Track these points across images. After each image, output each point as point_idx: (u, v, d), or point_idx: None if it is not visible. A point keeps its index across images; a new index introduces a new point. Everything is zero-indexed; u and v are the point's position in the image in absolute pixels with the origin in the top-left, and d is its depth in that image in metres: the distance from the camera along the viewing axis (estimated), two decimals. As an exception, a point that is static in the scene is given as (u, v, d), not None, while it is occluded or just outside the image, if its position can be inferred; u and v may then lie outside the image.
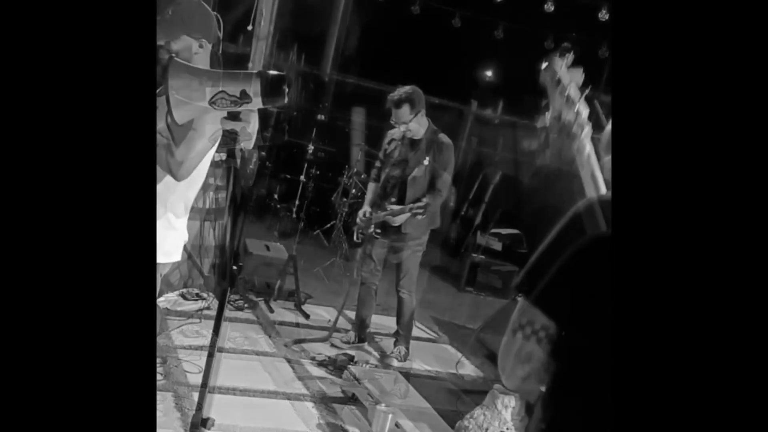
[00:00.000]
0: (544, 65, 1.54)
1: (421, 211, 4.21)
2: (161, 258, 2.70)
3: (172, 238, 2.69)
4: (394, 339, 4.67)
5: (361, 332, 4.70)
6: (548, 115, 1.53)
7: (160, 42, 2.44)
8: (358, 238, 4.62)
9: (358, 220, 4.54)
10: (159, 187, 2.56)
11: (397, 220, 4.31)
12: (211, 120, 2.49)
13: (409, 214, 4.27)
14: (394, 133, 4.47)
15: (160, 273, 2.75)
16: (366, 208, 4.53)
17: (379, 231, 4.46)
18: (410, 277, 4.50)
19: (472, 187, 8.27)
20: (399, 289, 4.55)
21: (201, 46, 2.46)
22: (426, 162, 4.32)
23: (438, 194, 4.32)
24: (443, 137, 4.39)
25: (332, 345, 4.51)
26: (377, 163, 4.64)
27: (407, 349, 4.58)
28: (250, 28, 5.62)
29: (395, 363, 4.44)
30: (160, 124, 2.53)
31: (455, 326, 5.75)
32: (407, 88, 4.29)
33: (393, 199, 4.38)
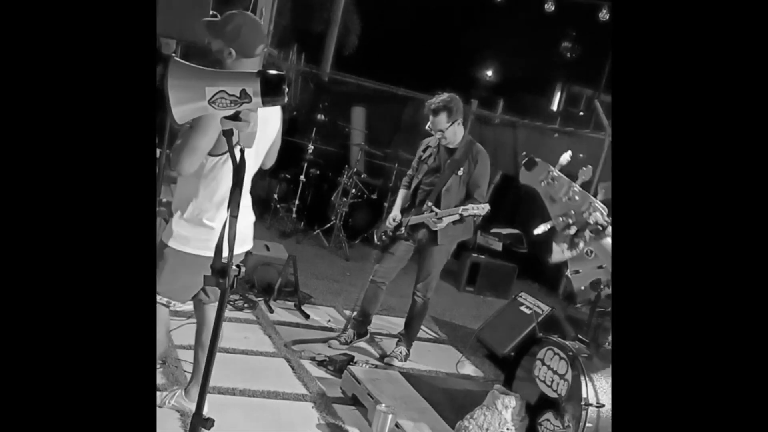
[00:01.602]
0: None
1: (478, 212, 4.18)
2: (186, 248, 2.79)
3: (197, 235, 2.80)
4: (396, 339, 4.67)
5: (361, 328, 4.67)
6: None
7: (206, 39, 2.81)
8: (378, 241, 4.61)
9: (387, 223, 4.52)
10: (185, 188, 2.76)
11: (445, 222, 4.27)
12: (214, 121, 2.56)
13: (456, 217, 4.23)
14: (430, 140, 4.49)
15: (196, 267, 2.83)
16: (396, 214, 4.52)
17: (406, 234, 4.45)
18: (429, 281, 4.50)
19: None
20: (415, 292, 4.54)
21: (230, 54, 2.71)
22: (460, 172, 4.31)
23: (477, 203, 4.30)
24: (479, 147, 4.39)
25: (330, 347, 4.50)
26: (410, 171, 4.64)
27: (408, 350, 4.59)
28: None
29: (396, 363, 4.44)
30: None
31: (455, 326, 5.75)
32: (445, 96, 4.29)
33: (430, 203, 4.34)
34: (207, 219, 2.80)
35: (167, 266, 2.84)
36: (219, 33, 2.72)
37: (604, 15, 9.43)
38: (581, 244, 1.41)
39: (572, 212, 1.40)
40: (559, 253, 1.52)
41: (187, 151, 2.60)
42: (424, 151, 4.53)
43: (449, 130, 4.28)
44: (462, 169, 4.31)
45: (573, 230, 1.41)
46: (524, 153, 1.54)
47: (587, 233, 1.39)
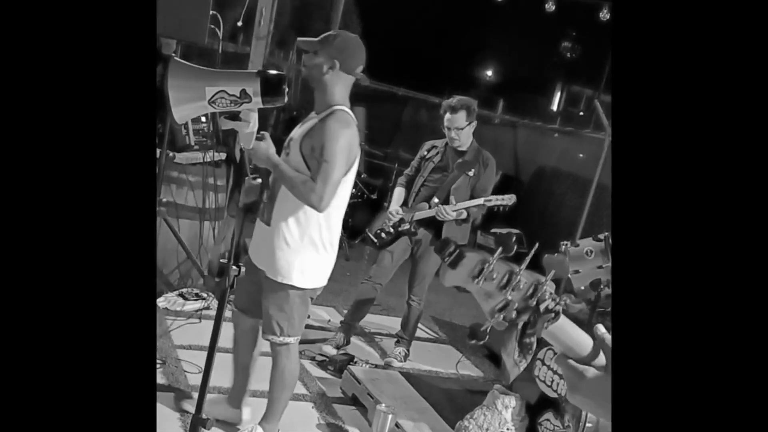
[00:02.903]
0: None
1: (504, 202, 4.18)
2: (316, 283, 2.81)
3: (324, 265, 2.87)
4: (395, 340, 4.66)
5: (348, 332, 4.56)
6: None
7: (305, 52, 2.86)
8: (377, 239, 4.47)
9: (389, 215, 4.40)
10: (305, 221, 2.76)
11: (457, 215, 4.23)
12: (343, 148, 2.69)
13: (463, 215, 4.23)
14: (436, 141, 4.48)
15: (312, 296, 2.94)
16: (396, 207, 4.42)
17: (412, 229, 4.38)
18: (424, 284, 4.47)
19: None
20: (411, 297, 4.49)
21: (333, 66, 2.76)
22: (471, 173, 4.30)
23: (481, 207, 4.30)
24: (488, 154, 4.41)
25: (321, 350, 4.40)
26: (409, 170, 4.58)
27: (408, 351, 4.58)
28: (240, 24, 5.63)
29: (395, 364, 4.44)
30: (296, 159, 2.72)
31: (455, 326, 5.75)
32: (465, 97, 4.32)
33: (437, 200, 4.29)
34: (327, 245, 2.84)
35: (297, 306, 2.86)
36: (323, 46, 2.78)
37: (604, 15, 9.42)
38: (534, 344, 1.04)
39: (515, 305, 1.02)
40: (513, 367, 1.12)
41: (331, 186, 2.65)
42: (429, 150, 4.48)
43: (465, 131, 4.27)
44: (473, 170, 4.30)
45: (520, 326, 1.03)
46: (444, 240, 1.04)
47: (539, 326, 1.02)
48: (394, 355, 4.50)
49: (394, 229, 4.40)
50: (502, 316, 1.02)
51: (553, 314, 1.03)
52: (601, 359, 1.09)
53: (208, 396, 3.24)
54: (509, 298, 1.02)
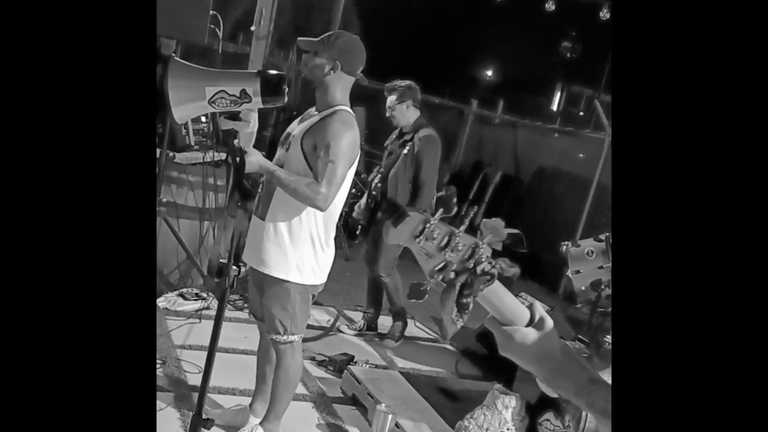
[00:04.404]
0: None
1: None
2: (315, 279, 2.87)
3: (322, 261, 2.86)
4: (392, 322, 4.86)
5: (372, 321, 4.89)
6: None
7: (305, 53, 2.82)
8: (357, 231, 4.79)
9: (354, 214, 4.77)
10: (303, 217, 2.76)
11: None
12: (347, 148, 2.70)
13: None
14: (396, 131, 4.72)
15: (313, 293, 2.93)
16: (361, 201, 4.76)
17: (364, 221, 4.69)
18: (386, 256, 4.58)
19: (472, 187, 8.26)
20: (380, 275, 4.65)
21: (335, 67, 2.75)
22: (405, 150, 4.49)
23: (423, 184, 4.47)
24: (426, 130, 4.55)
25: (339, 330, 4.75)
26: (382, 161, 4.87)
27: (404, 326, 4.81)
28: (253, 28, 5.64)
29: (392, 344, 4.70)
30: (296, 155, 2.70)
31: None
32: (398, 81, 4.57)
33: (379, 184, 4.61)
34: (323, 243, 2.84)
35: (299, 303, 2.86)
36: (325, 46, 2.77)
37: (604, 14, 9.41)
38: (470, 304, 1.06)
39: (453, 266, 1.06)
40: (451, 325, 1.24)
41: (335, 186, 2.67)
42: (389, 139, 4.77)
43: (397, 110, 4.48)
44: (406, 148, 4.48)
45: (457, 288, 1.06)
46: (390, 201, 1.04)
47: (476, 287, 1.05)
48: (390, 335, 4.76)
49: (362, 224, 4.74)
50: (441, 277, 1.06)
51: (488, 277, 1.07)
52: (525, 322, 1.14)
53: (232, 408, 3.26)
54: (448, 259, 1.06)
